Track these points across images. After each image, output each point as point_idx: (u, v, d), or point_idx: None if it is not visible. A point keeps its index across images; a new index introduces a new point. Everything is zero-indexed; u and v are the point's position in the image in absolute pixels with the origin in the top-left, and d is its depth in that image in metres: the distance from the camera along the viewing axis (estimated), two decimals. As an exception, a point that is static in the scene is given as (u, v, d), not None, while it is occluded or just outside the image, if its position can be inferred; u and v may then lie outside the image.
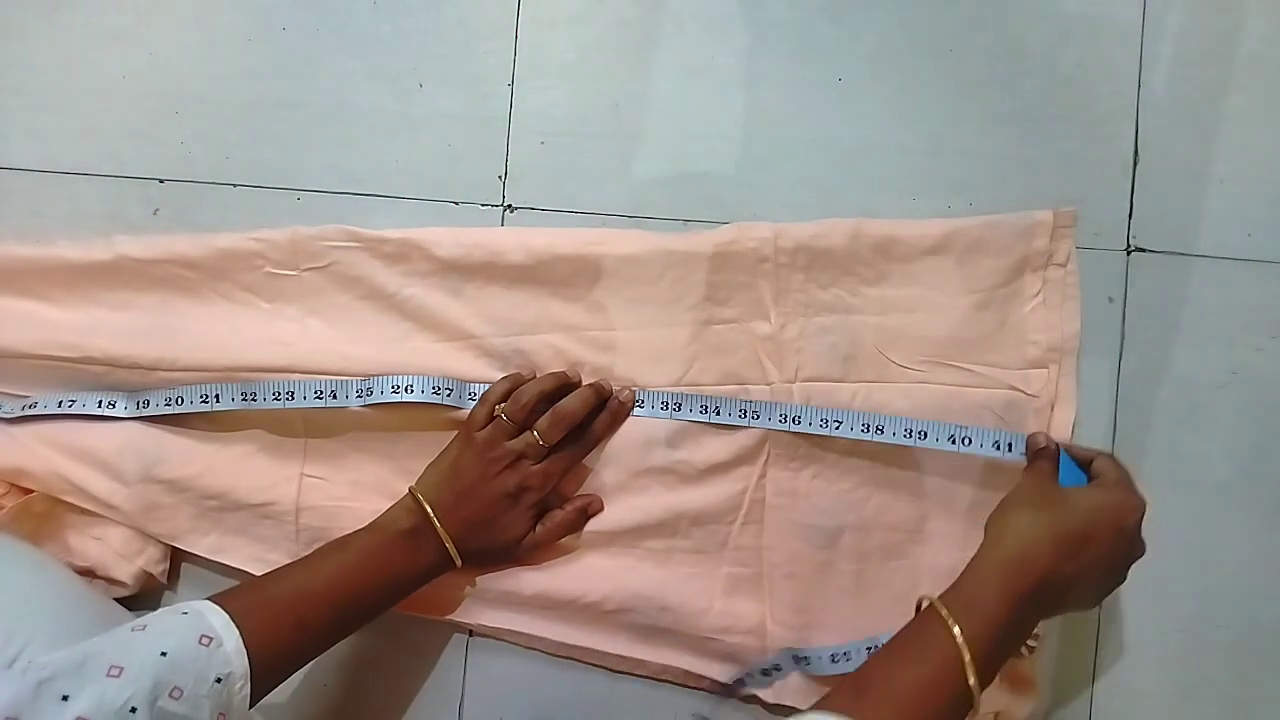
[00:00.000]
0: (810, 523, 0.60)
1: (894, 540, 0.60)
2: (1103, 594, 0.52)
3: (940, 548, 0.60)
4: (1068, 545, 0.48)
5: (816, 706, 0.44)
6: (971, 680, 0.44)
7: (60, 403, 0.60)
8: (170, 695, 0.42)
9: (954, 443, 0.57)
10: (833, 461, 0.60)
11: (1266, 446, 0.61)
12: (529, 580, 0.59)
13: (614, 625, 0.59)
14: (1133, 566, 0.51)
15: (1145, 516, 0.50)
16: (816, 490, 0.60)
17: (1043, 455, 0.55)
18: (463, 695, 0.62)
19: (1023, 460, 0.56)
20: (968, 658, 0.44)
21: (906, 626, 0.48)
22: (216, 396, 0.60)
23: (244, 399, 0.59)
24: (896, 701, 0.44)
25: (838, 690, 0.46)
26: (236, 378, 0.59)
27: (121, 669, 0.41)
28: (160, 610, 0.47)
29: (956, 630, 0.45)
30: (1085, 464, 0.54)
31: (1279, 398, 0.61)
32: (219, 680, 0.44)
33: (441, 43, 0.64)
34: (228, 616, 0.47)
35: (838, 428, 0.58)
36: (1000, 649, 0.46)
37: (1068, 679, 0.61)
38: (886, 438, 0.57)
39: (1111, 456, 0.54)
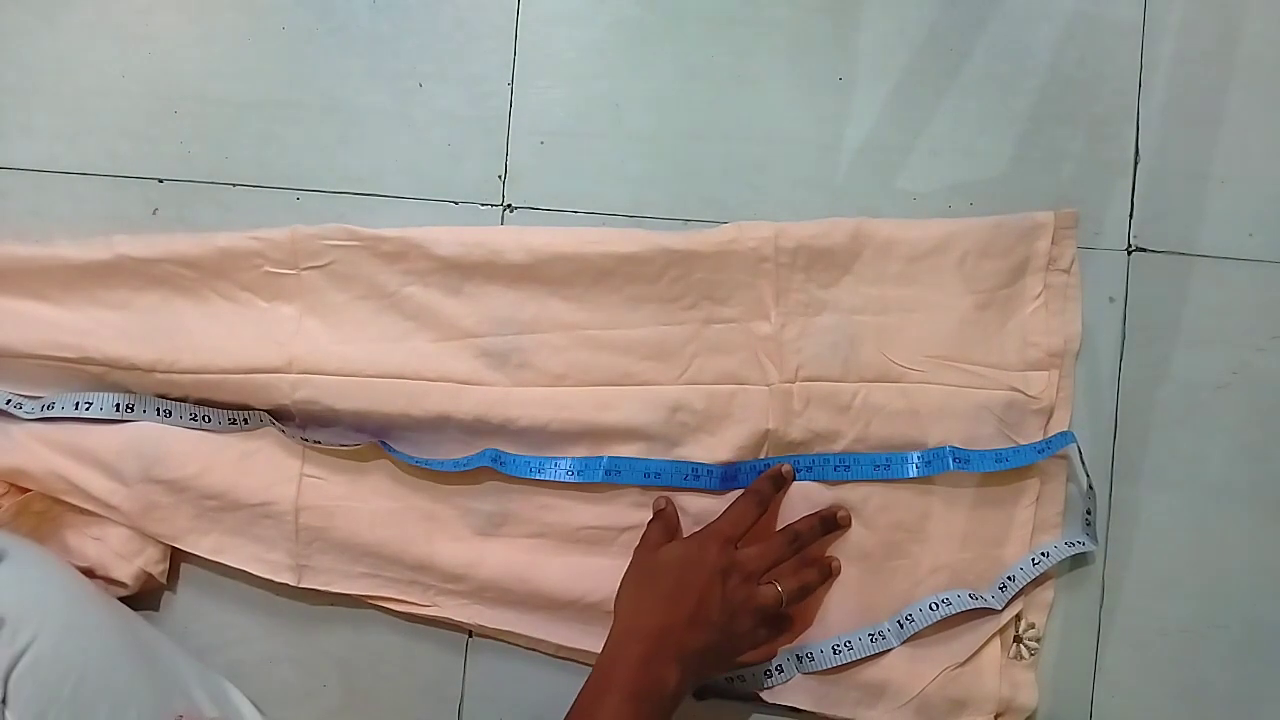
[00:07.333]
0: (810, 523, 0.60)
1: (894, 540, 0.60)
2: (739, 638, 0.55)
3: (940, 547, 0.60)
4: (668, 600, 0.53)
5: None
6: None
7: (78, 404, 0.60)
8: None
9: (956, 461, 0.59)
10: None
11: (1267, 446, 0.61)
12: (529, 580, 0.59)
13: (614, 625, 0.59)
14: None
15: (728, 562, 0.54)
16: (815, 490, 0.60)
17: (657, 517, 0.58)
18: (463, 695, 0.62)
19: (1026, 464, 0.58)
20: None
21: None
22: (245, 419, 0.60)
23: (272, 420, 0.60)
24: None
25: None
26: (234, 380, 0.59)
27: None
28: None
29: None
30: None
31: (1279, 398, 0.61)
32: None
33: (441, 43, 0.64)
34: None
35: (848, 471, 0.59)
36: (649, 712, 0.49)
37: (1068, 679, 0.61)
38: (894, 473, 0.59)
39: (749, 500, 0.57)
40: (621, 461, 0.59)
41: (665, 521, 0.58)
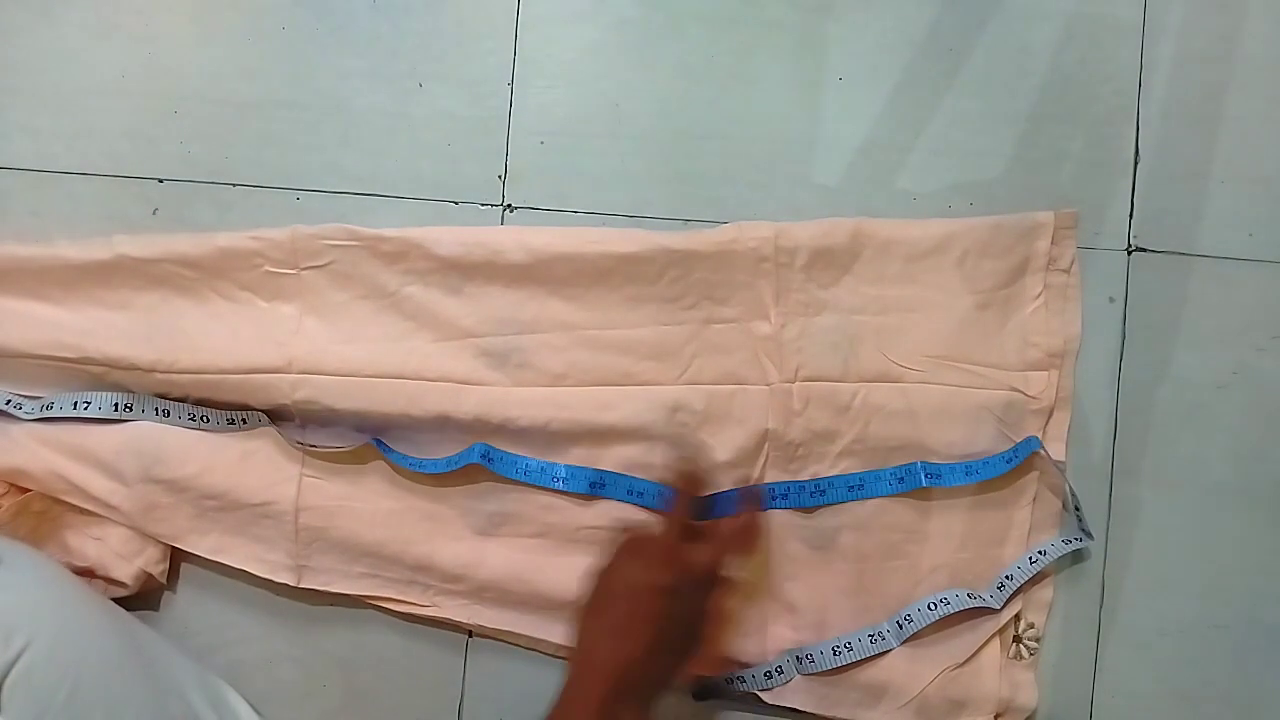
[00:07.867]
0: (809, 523, 0.60)
1: (893, 540, 0.60)
2: (708, 641, 0.50)
3: (940, 547, 0.60)
4: (621, 634, 0.48)
5: None
6: None
7: (75, 404, 0.60)
8: None
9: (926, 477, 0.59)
10: (831, 462, 0.60)
11: (1267, 446, 0.61)
12: (529, 580, 0.59)
13: (614, 625, 0.59)
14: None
15: (676, 577, 0.49)
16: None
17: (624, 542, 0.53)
18: (463, 695, 0.62)
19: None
20: None
21: None
22: (244, 420, 0.60)
23: (270, 421, 0.60)
24: None
25: None
26: (234, 380, 0.59)
27: None
28: None
29: None
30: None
31: (1279, 398, 0.61)
32: None
33: (441, 43, 0.64)
34: None
35: (823, 495, 0.59)
36: None
37: (1068, 679, 0.61)
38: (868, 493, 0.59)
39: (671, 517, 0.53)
40: (608, 475, 0.59)
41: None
